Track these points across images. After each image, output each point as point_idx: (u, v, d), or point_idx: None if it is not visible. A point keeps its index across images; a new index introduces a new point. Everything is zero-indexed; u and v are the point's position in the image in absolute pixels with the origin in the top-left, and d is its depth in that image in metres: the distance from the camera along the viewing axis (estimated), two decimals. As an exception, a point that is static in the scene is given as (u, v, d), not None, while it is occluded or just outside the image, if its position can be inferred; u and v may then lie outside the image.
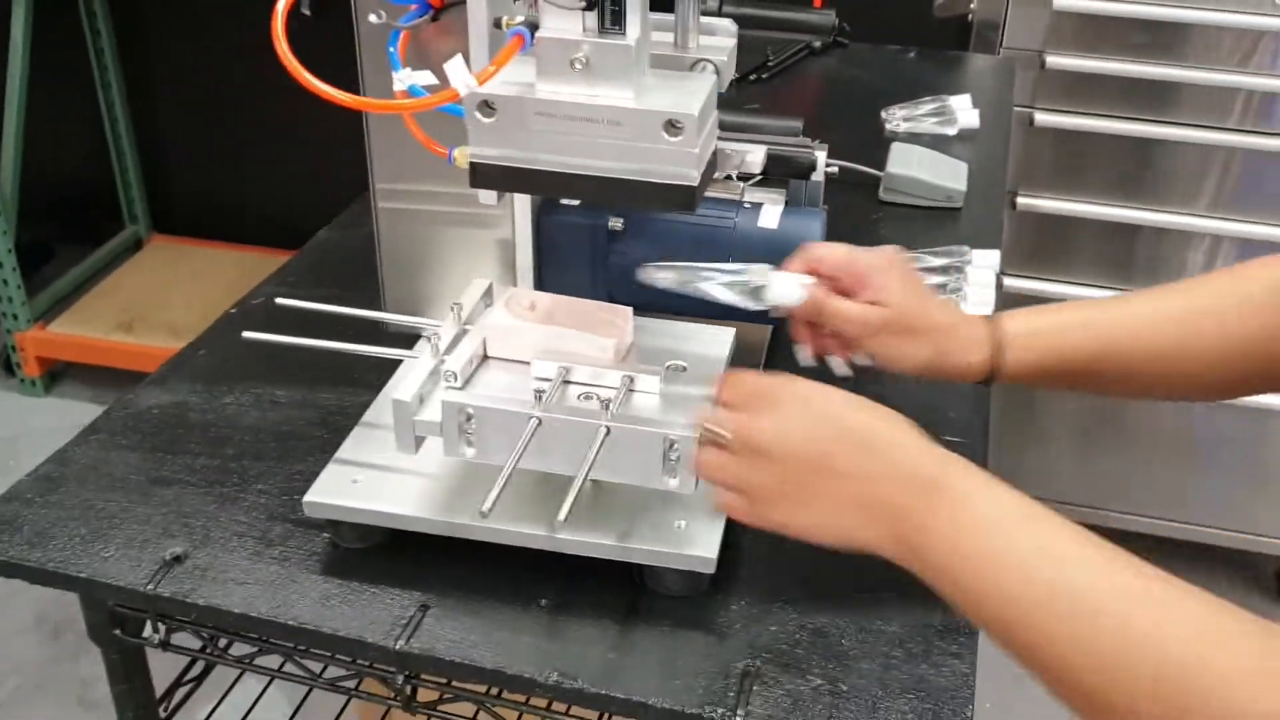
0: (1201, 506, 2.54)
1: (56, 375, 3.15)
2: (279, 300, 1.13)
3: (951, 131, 1.81)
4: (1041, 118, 2.24)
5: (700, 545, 0.97)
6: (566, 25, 0.86)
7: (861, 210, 1.62)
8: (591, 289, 1.16)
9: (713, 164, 0.94)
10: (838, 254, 0.99)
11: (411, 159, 1.13)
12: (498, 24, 0.90)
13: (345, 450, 1.06)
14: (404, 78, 0.93)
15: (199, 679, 1.16)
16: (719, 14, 1.25)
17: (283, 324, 1.15)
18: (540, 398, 0.94)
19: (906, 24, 2.37)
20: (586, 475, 0.90)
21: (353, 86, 1.09)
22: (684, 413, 0.96)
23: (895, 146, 1.66)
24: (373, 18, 0.94)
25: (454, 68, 0.83)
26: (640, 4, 0.85)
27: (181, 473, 1.10)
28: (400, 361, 1.18)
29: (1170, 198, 2.28)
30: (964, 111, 1.82)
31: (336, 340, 1.19)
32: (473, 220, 1.15)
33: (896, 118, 1.84)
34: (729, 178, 1.10)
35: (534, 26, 0.87)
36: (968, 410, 1.22)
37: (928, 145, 1.75)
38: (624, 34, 0.86)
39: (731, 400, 0.89)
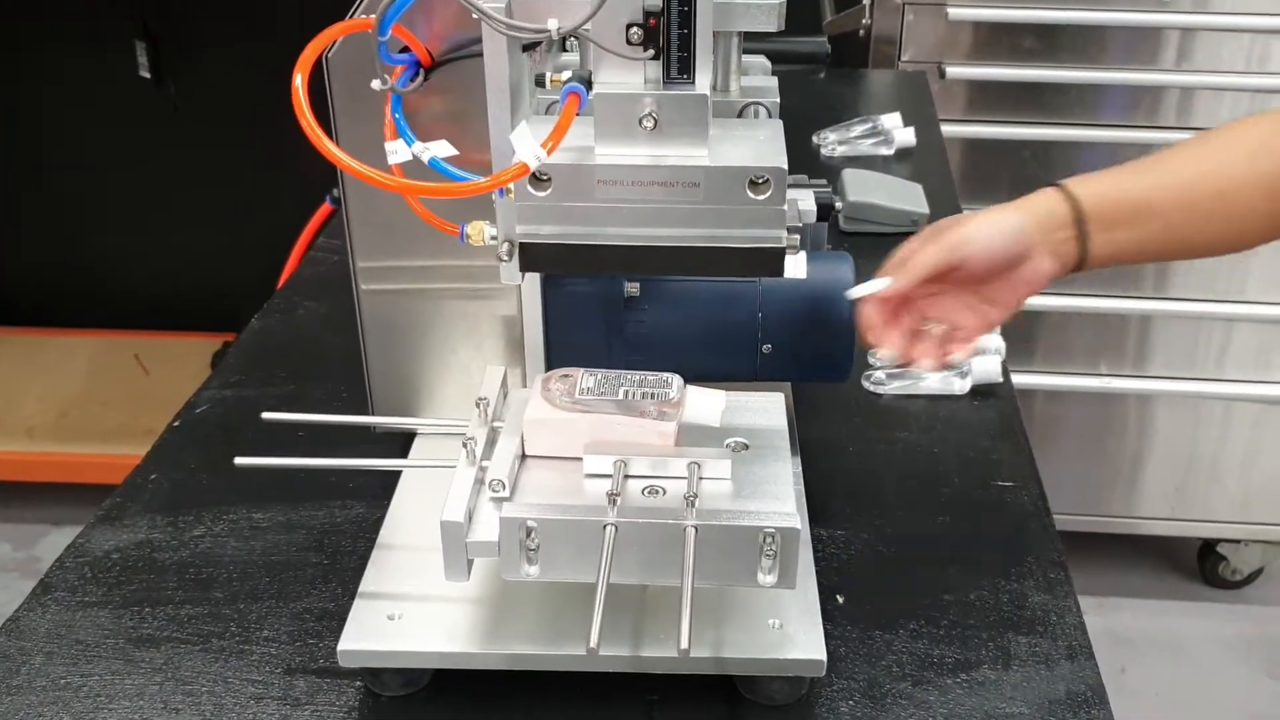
0: (1118, 498, 2.55)
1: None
2: (266, 415, 0.98)
3: (889, 151, 1.75)
4: (947, 129, 2.21)
5: (803, 646, 0.86)
6: (625, 78, 0.75)
7: (827, 242, 1.54)
8: (606, 363, 1.04)
9: (782, 218, 0.84)
10: (928, 255, 0.95)
11: (396, 232, 1.00)
12: (540, 82, 0.78)
13: (369, 582, 0.92)
14: (420, 150, 0.80)
15: None
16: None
17: (242, 433, 1.01)
18: (614, 501, 0.82)
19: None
20: (691, 588, 0.79)
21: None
22: (766, 499, 0.85)
23: (847, 173, 1.59)
24: (376, 83, 0.81)
25: (520, 139, 0.71)
26: (708, 47, 0.75)
27: (167, 628, 0.94)
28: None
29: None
30: (899, 130, 1.76)
31: (321, 447, 1.05)
32: (471, 295, 1.02)
33: (830, 141, 1.77)
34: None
35: (586, 82, 0.75)
36: (1009, 451, 1.15)
37: (864, 167, 1.69)
38: (694, 83, 0.75)
39: None
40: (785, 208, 0.77)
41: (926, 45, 2.20)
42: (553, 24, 0.72)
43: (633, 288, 1.03)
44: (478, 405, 0.93)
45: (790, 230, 0.89)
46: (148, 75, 2.80)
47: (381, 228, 1.00)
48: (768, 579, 0.83)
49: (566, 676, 0.87)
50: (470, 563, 0.85)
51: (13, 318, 3.11)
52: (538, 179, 0.76)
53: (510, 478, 0.87)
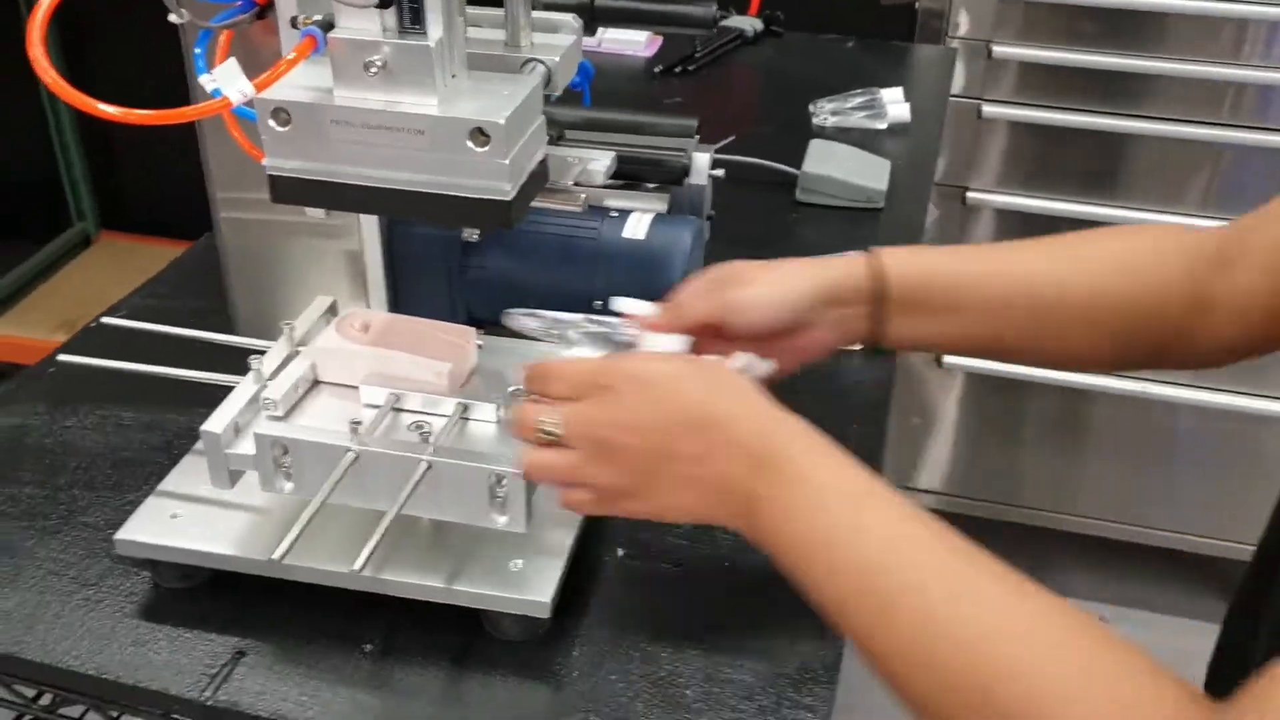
0: (1166, 509, 2.46)
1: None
2: (104, 319, 1.06)
3: (881, 125, 1.73)
4: (989, 110, 2.16)
5: (535, 589, 0.89)
6: (364, 25, 0.79)
7: (779, 211, 1.54)
8: (449, 303, 1.09)
9: (542, 174, 0.86)
10: (698, 306, 0.91)
11: (248, 163, 1.05)
12: (294, 23, 0.82)
13: (170, 481, 0.99)
14: (207, 81, 0.85)
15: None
16: (591, 9, 1.17)
17: (151, 342, 1.08)
18: (357, 429, 0.87)
19: (852, 13, 2.29)
20: (395, 515, 0.83)
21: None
22: (519, 444, 0.89)
23: (814, 144, 1.58)
24: (173, 17, 0.87)
25: (225, 74, 0.76)
26: (443, 1, 0.78)
27: (5, 504, 1.03)
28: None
29: (1133, 193, 2.20)
30: (895, 105, 1.74)
31: (185, 357, 1.12)
32: (317, 230, 1.07)
33: (825, 111, 1.76)
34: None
35: (329, 26, 0.79)
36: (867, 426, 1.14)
37: (856, 140, 1.68)
38: (425, 34, 0.78)
39: (560, 392, 0.81)
40: (508, 161, 0.79)
41: (976, 22, 2.14)
42: (278, -32, 0.76)
43: (471, 233, 1.07)
44: (284, 328, 0.98)
45: (573, 188, 0.92)
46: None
47: (235, 159, 1.05)
48: (500, 519, 0.87)
49: (327, 592, 0.92)
50: (234, 473, 0.91)
51: (122, 223, 3.30)
52: (282, 113, 0.80)
53: (288, 399, 0.92)
